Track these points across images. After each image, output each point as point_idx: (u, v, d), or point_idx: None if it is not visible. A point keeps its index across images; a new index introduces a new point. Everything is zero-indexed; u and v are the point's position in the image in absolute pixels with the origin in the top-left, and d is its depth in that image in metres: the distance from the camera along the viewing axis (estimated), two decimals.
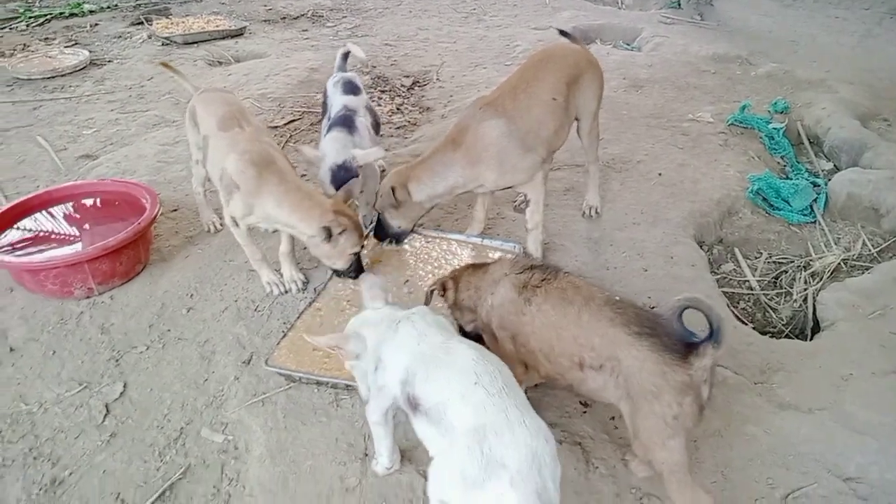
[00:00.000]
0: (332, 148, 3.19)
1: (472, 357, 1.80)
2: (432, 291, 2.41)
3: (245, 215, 2.82)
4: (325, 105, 3.74)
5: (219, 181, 2.88)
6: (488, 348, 2.07)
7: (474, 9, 8.17)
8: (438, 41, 6.91)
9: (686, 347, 1.83)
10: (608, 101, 5.14)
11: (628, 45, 7.03)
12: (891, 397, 2.49)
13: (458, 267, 2.48)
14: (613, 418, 2.42)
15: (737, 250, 3.64)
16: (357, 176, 3.08)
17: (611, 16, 7.78)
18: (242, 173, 2.73)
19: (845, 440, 2.33)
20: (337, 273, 2.93)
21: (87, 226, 3.40)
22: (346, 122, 3.33)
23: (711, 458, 2.28)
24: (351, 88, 3.62)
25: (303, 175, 4.00)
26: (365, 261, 3.04)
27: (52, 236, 3.30)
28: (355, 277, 2.88)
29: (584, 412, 2.45)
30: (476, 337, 2.40)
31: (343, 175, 3.08)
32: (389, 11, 8.11)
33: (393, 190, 2.87)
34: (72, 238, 3.29)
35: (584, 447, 2.31)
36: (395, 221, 3.01)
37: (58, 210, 3.45)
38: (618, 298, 2.01)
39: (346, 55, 3.97)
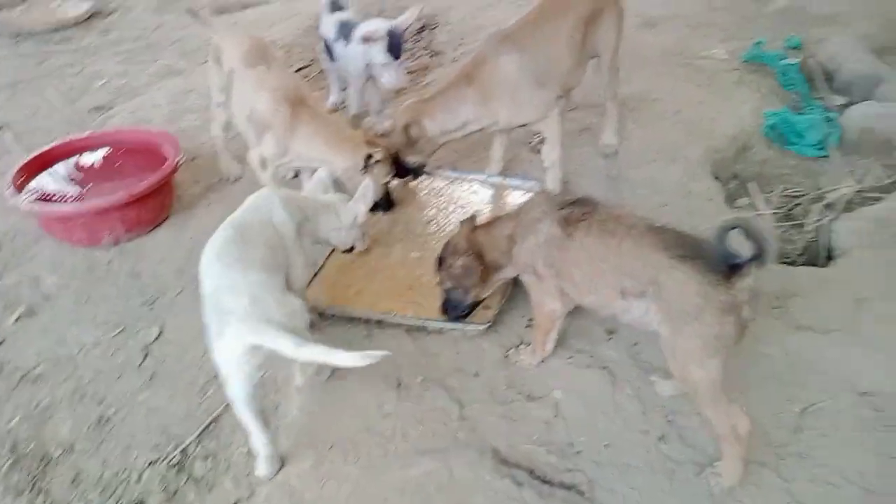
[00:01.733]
0: (369, 27, 3.41)
1: (219, 237, 2.10)
2: (468, 276, 2.33)
3: (278, 155, 2.85)
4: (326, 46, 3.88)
5: (246, 121, 2.91)
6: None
7: None
8: None
9: (730, 269, 1.85)
10: (624, 40, 5.08)
11: None
12: None
13: (458, 240, 2.36)
14: (637, 344, 2.51)
15: (752, 185, 3.68)
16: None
17: None
18: (276, 111, 2.76)
19: (860, 358, 2.42)
20: (370, 208, 2.96)
21: (110, 174, 3.44)
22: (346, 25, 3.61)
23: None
24: (338, 6, 3.80)
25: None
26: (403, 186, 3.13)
27: (77, 185, 3.34)
28: (387, 210, 2.94)
29: (609, 339, 2.54)
30: (472, 306, 2.45)
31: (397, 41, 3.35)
32: None
33: (407, 127, 2.89)
34: (97, 186, 3.34)
35: (611, 370, 2.40)
36: (410, 156, 3.03)
37: (81, 159, 3.49)
38: (659, 225, 2.04)
39: None
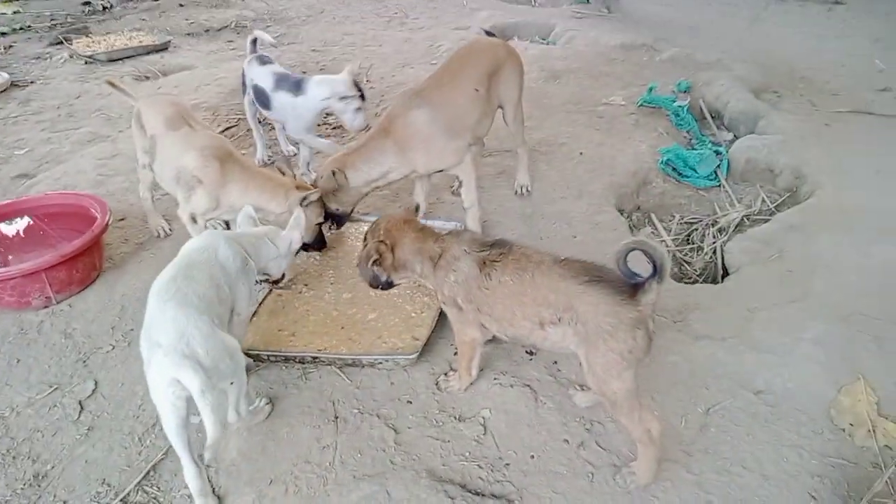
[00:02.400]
0: (320, 81, 3.85)
1: (164, 275, 2.26)
2: (372, 262, 2.47)
3: (209, 209, 2.98)
4: (244, 85, 4.21)
5: (174, 180, 3.03)
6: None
7: (396, 13, 8.44)
8: (365, 45, 7.13)
9: (633, 287, 2.04)
10: (530, 92, 5.49)
11: (544, 39, 7.45)
12: (788, 322, 2.89)
13: (386, 225, 2.51)
14: (556, 362, 2.72)
15: (653, 215, 4.04)
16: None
17: (526, 14, 8.21)
18: (205, 167, 2.89)
19: (753, 360, 2.70)
20: (304, 247, 3.10)
21: (39, 238, 3.45)
22: (285, 77, 3.96)
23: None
24: (267, 60, 4.12)
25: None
26: (327, 234, 3.29)
27: (4, 250, 3.34)
28: (319, 249, 3.10)
29: (531, 359, 2.74)
30: (389, 284, 2.60)
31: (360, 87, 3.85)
32: (312, 19, 8.27)
33: (333, 174, 3.08)
34: (25, 251, 3.35)
35: (533, 388, 2.60)
36: (334, 205, 3.21)
37: (8, 225, 3.49)
38: (563, 258, 2.23)
39: (254, 41, 4.25)
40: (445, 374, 2.67)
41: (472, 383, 2.61)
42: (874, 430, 2.40)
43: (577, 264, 2.18)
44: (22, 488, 2.33)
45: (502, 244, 2.34)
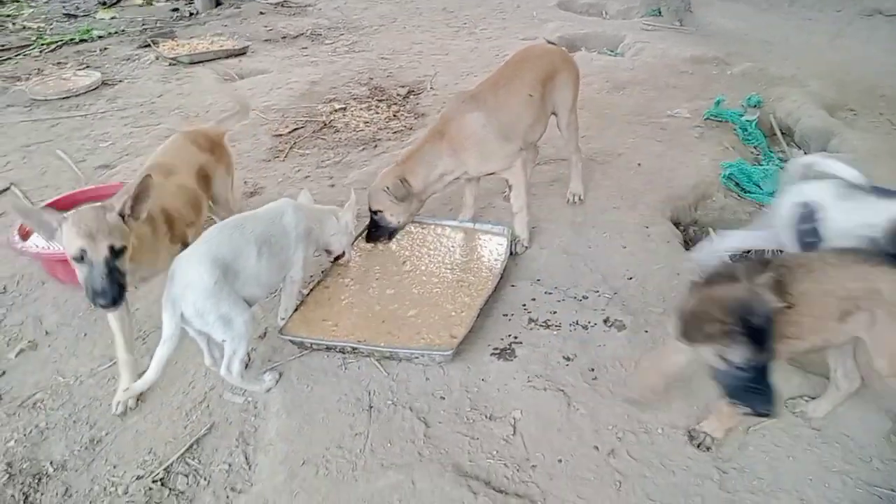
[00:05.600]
0: None
1: (228, 220, 2.75)
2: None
3: None
4: None
5: None
6: None
7: (465, 23, 8.54)
8: (432, 54, 7.26)
9: None
10: (592, 102, 5.48)
11: (612, 51, 7.37)
12: None
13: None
14: (593, 369, 2.71)
15: (710, 229, 3.93)
16: None
17: (595, 25, 8.15)
18: None
19: (800, 381, 2.60)
20: (337, 258, 3.27)
21: None
22: None
23: (683, 400, 2.55)
24: None
25: None
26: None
27: None
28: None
29: (567, 365, 2.74)
30: None
31: None
32: (384, 28, 8.48)
33: (401, 181, 3.10)
34: None
35: (566, 392, 2.59)
36: (396, 218, 3.23)
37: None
38: (836, 251, 2.21)
39: None
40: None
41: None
42: None
43: (851, 253, 2.15)
44: (79, 450, 2.50)
45: (763, 263, 2.08)
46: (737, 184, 4.26)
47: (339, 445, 2.41)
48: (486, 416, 2.52)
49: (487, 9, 9.16)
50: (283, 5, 9.74)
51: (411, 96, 6.04)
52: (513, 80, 3.30)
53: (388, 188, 3.13)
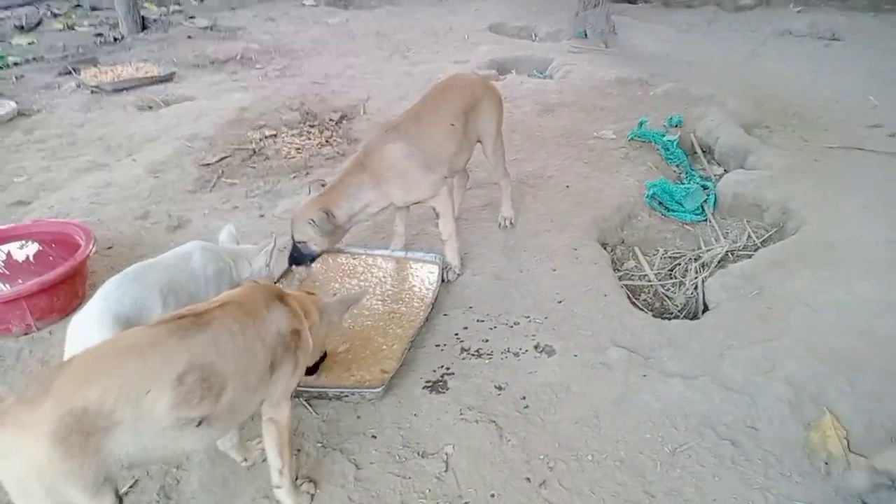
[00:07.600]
0: None
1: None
2: None
3: None
4: None
5: None
6: None
7: (398, 47, 8.58)
8: (365, 78, 7.25)
9: None
10: (522, 124, 5.58)
11: (541, 73, 7.54)
12: (761, 361, 2.85)
13: None
14: (524, 398, 2.71)
15: (636, 248, 4.04)
16: None
17: (525, 48, 8.33)
18: None
19: (721, 399, 2.68)
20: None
21: (23, 266, 3.51)
22: None
23: (611, 424, 2.58)
24: None
25: None
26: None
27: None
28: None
29: (499, 394, 2.73)
30: None
31: None
32: (317, 52, 8.43)
33: (326, 215, 3.07)
34: (8, 277, 3.40)
35: (498, 423, 2.59)
36: (319, 247, 3.20)
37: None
38: None
39: None
40: None
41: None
42: (850, 466, 2.36)
43: None
44: None
45: None
46: (660, 203, 4.40)
47: (266, 496, 2.32)
48: (417, 454, 2.48)
49: (420, 32, 9.25)
50: (211, 29, 9.58)
51: (344, 121, 6.01)
52: (435, 111, 3.31)
53: (313, 221, 3.08)
